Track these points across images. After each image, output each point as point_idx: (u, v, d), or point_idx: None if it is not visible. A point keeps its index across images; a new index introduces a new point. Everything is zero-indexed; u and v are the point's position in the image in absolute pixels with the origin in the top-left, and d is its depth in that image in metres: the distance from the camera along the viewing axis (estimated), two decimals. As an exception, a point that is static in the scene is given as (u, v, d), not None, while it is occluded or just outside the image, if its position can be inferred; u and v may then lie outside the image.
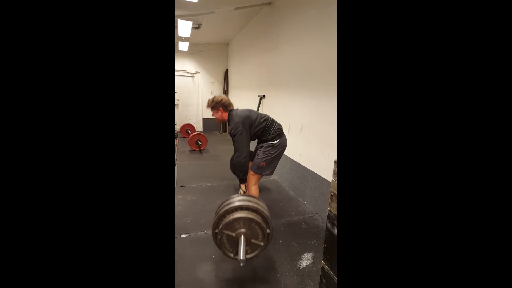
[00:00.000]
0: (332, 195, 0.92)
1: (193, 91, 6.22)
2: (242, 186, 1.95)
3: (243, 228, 1.22)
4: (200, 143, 4.29)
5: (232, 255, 1.25)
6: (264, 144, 1.88)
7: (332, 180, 0.92)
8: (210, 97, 1.98)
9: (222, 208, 1.28)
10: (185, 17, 3.53)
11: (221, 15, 3.67)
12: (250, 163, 1.92)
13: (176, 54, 5.59)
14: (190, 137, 4.29)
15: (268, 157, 1.85)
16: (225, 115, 1.92)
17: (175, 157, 3.63)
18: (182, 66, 5.91)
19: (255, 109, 3.72)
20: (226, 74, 6.19)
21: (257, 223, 1.20)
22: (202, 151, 4.34)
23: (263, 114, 1.94)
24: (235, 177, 2.12)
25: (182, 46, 5.28)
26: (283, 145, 1.91)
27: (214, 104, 1.90)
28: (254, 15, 3.81)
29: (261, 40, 3.63)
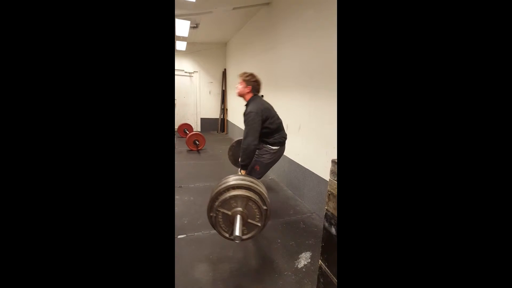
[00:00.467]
0: (329, 194, 0.92)
1: (191, 90, 6.20)
2: (243, 172, 1.84)
3: (239, 207, 1.18)
4: (198, 143, 4.28)
5: (227, 235, 1.22)
6: (263, 146, 1.85)
7: (330, 179, 0.92)
8: (248, 72, 1.87)
9: (219, 186, 1.24)
10: (182, 17, 3.51)
11: (219, 14, 3.66)
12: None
13: (174, 53, 5.57)
14: (187, 136, 4.28)
15: (264, 162, 1.84)
16: (248, 96, 1.85)
17: (173, 157, 3.61)
18: (180, 65, 5.90)
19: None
20: (224, 74, 6.18)
21: (255, 201, 1.17)
22: (200, 151, 4.33)
23: (279, 118, 1.90)
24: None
25: (180, 45, 5.26)
26: (279, 154, 1.88)
27: (248, 80, 1.82)
28: (253, 15, 3.81)
29: (259, 40, 3.63)
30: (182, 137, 5.12)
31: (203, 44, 5.83)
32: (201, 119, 6.41)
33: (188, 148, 4.32)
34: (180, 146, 4.55)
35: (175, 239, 1.74)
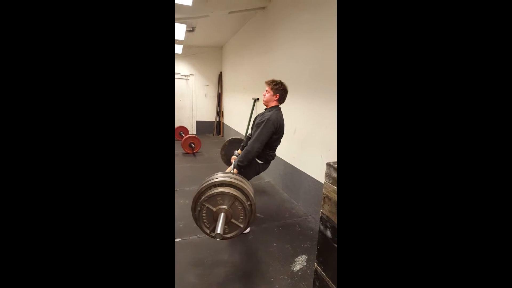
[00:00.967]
0: (325, 197, 0.93)
1: (186, 93, 6.19)
2: (235, 171, 1.77)
3: (225, 205, 1.17)
4: (193, 145, 4.26)
5: (208, 231, 1.20)
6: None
7: (325, 182, 0.92)
8: (277, 79, 1.82)
9: (209, 180, 1.22)
10: (179, 20, 3.52)
11: (215, 18, 3.68)
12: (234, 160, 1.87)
13: (169, 56, 5.56)
14: (183, 139, 4.26)
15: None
16: (273, 103, 1.80)
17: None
18: (176, 68, 5.89)
19: (249, 111, 3.73)
20: (220, 77, 6.19)
21: (241, 202, 1.15)
22: (196, 154, 4.31)
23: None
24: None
25: (176, 48, 5.26)
26: (261, 169, 1.85)
27: (277, 88, 1.77)
28: (248, 19, 3.83)
29: (255, 44, 3.65)
30: (178, 140, 5.09)
31: (199, 47, 5.84)
32: (197, 122, 6.39)
33: (184, 151, 4.29)
34: (175, 149, 4.52)
35: (170, 243, 1.72)
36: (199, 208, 1.16)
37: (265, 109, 1.84)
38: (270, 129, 1.68)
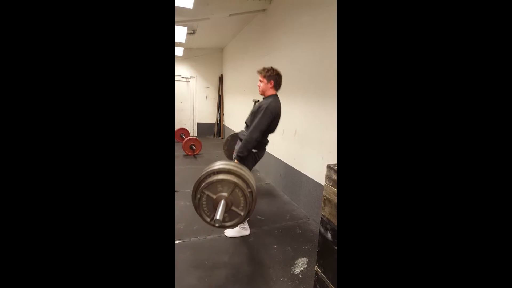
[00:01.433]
0: (325, 200, 0.93)
1: (187, 95, 6.21)
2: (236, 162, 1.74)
3: (225, 192, 1.16)
4: (194, 147, 4.27)
5: (208, 219, 1.19)
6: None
7: (325, 184, 0.93)
8: (267, 66, 1.76)
9: (209, 167, 1.21)
10: (180, 23, 3.55)
11: (216, 21, 3.70)
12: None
13: (170, 58, 5.59)
14: (184, 141, 4.26)
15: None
16: (270, 91, 1.74)
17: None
18: (177, 70, 5.91)
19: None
20: (220, 79, 6.21)
21: (242, 189, 1.15)
22: (196, 155, 4.31)
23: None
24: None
25: (177, 51, 5.29)
26: (259, 158, 1.80)
27: (270, 75, 1.71)
28: (249, 21, 3.85)
29: (255, 46, 3.67)
30: (179, 141, 5.10)
31: (200, 49, 5.86)
32: (198, 124, 6.40)
33: (185, 153, 4.30)
34: (176, 151, 4.53)
35: (171, 245, 1.72)
36: (198, 196, 1.15)
37: (263, 98, 1.77)
38: (268, 118, 1.63)
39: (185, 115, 6.30)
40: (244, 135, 1.70)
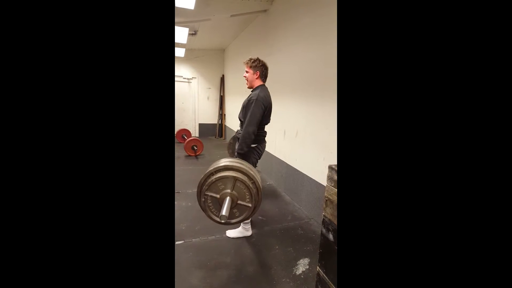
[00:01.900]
0: (327, 200, 0.93)
1: (189, 96, 6.23)
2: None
3: (228, 188, 1.16)
4: (196, 148, 4.28)
5: (218, 219, 1.19)
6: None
7: (327, 185, 0.93)
8: (254, 57, 1.74)
9: (206, 170, 1.23)
10: (181, 24, 3.56)
11: (217, 22, 3.71)
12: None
13: (172, 59, 5.61)
14: (186, 142, 4.28)
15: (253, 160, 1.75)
16: (257, 82, 1.73)
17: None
18: (179, 71, 5.93)
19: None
20: (222, 80, 6.22)
21: (242, 181, 1.15)
22: (198, 156, 4.32)
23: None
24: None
25: (179, 52, 5.31)
26: (258, 152, 1.76)
27: (255, 65, 1.69)
28: (250, 22, 3.86)
29: (256, 47, 3.67)
30: (180, 142, 5.11)
31: (201, 50, 5.88)
32: (199, 124, 6.41)
33: (186, 154, 4.31)
34: (178, 152, 4.54)
35: (173, 245, 1.73)
36: (203, 199, 1.16)
37: (252, 91, 1.76)
38: (260, 109, 1.61)
39: (186, 116, 6.31)
40: (240, 133, 1.69)
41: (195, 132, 6.42)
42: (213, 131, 6.48)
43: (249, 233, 1.89)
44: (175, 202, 2.40)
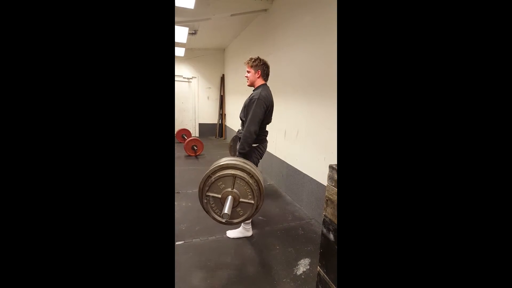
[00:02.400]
0: (327, 200, 0.92)
1: (189, 96, 6.22)
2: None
3: (228, 187, 1.17)
4: (196, 148, 4.28)
5: (221, 219, 1.20)
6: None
7: (328, 185, 0.92)
8: (254, 56, 1.74)
9: (205, 173, 1.23)
10: (181, 23, 3.55)
11: (217, 21, 3.70)
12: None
13: (172, 59, 5.62)
14: (186, 142, 4.27)
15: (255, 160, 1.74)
16: (258, 82, 1.72)
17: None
18: (179, 71, 5.93)
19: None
20: (222, 79, 6.22)
21: (242, 178, 1.15)
22: (198, 156, 4.32)
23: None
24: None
25: (178, 51, 5.31)
26: (260, 152, 1.76)
27: (256, 64, 1.69)
28: (250, 21, 3.85)
29: (257, 46, 3.66)
30: (180, 142, 5.11)
31: (201, 50, 5.87)
32: (199, 124, 6.41)
33: (186, 154, 4.31)
34: (178, 152, 4.54)
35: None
36: (205, 201, 1.17)
37: (253, 90, 1.75)
38: (262, 108, 1.60)
39: (186, 115, 6.31)
40: (241, 132, 1.69)
41: (195, 132, 6.42)
42: (213, 131, 6.48)
43: (249, 233, 1.88)
44: (175, 202, 2.39)
